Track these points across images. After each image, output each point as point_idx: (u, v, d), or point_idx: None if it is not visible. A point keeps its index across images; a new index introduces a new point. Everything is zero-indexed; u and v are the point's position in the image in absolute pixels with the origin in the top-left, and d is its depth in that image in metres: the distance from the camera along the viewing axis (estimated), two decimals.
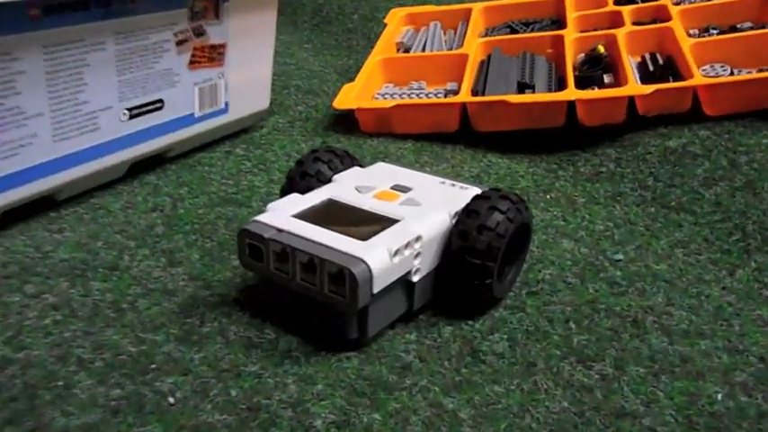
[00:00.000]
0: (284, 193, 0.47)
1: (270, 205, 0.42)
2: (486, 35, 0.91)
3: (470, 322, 0.42)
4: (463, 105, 0.70)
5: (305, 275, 0.38)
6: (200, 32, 0.61)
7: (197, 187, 0.60)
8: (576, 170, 0.65)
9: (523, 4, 0.96)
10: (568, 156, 0.68)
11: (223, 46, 0.64)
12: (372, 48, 0.89)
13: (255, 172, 0.63)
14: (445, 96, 0.75)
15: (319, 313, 0.39)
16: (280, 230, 0.39)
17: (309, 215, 0.41)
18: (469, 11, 0.95)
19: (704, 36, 0.80)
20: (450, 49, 0.87)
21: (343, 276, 0.36)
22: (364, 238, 0.38)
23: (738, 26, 0.81)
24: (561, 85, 0.73)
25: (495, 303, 0.44)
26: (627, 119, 0.68)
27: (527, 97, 0.68)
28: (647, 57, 0.77)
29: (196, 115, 0.64)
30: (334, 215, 0.41)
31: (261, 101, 0.72)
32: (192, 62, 0.62)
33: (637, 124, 0.69)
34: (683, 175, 0.61)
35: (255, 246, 0.40)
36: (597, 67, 0.75)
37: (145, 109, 0.58)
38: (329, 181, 0.47)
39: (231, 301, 0.44)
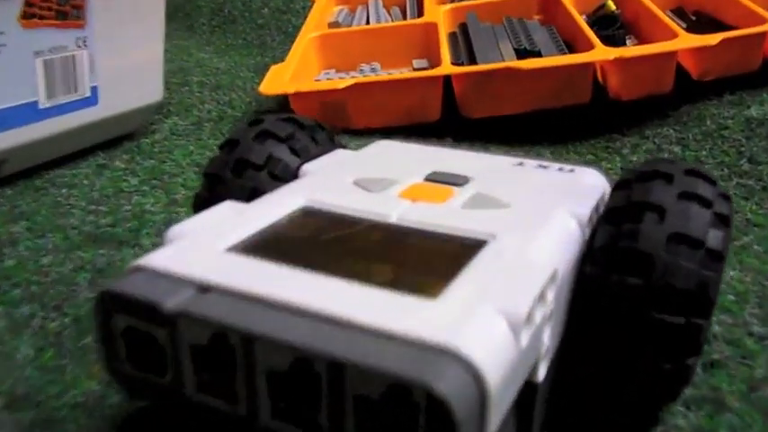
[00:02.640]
0: (200, 205, 0.23)
1: (175, 229, 0.19)
2: (452, 1, 0.70)
3: None
4: (446, 83, 0.49)
5: (286, 408, 0.14)
6: None
7: (44, 221, 0.35)
8: (624, 160, 0.45)
9: None
10: (605, 142, 0.47)
11: None
12: (293, 41, 0.66)
13: (146, 191, 0.39)
14: None
15: None
16: (204, 288, 0.16)
17: (268, 245, 0.18)
18: None
19: None
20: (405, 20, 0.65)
21: (410, 406, 0.13)
22: (428, 289, 0.15)
23: None
24: (573, 52, 0.53)
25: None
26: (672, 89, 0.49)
27: (545, 61, 0.47)
28: (669, 13, 0.58)
29: (41, 105, 0.39)
30: (326, 242, 0.18)
31: (150, 90, 0.48)
32: (26, 15, 0.37)
33: (685, 95, 0.50)
34: None
35: (141, 334, 0.16)
36: (613, 28, 0.56)
37: None
38: (294, 176, 0.23)
39: None
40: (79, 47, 0.41)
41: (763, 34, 0.47)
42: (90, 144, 0.45)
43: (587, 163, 0.45)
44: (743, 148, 0.43)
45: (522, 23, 0.58)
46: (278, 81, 0.51)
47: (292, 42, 0.65)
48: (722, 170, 0.42)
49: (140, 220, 0.35)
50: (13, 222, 0.34)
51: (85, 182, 0.40)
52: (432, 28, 0.58)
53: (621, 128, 0.48)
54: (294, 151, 0.24)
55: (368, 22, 0.66)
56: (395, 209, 0.20)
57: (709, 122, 0.46)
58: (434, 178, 0.22)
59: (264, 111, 0.54)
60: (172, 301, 0.15)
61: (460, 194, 0.21)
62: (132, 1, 0.44)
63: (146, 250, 0.32)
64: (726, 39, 0.46)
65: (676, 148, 0.45)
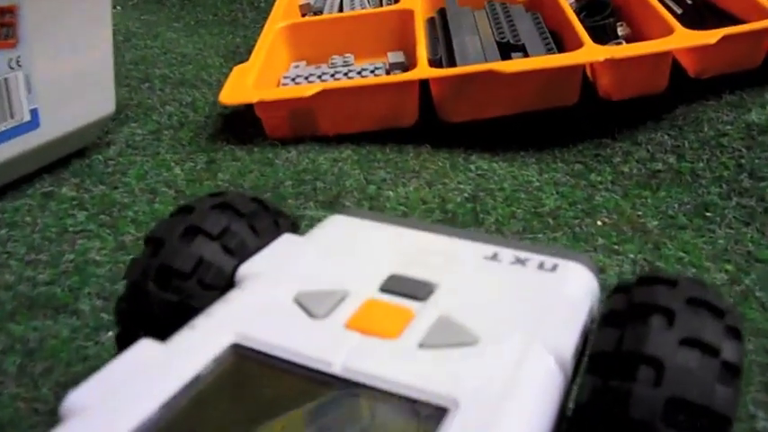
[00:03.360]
0: (123, 316, 0.20)
1: (72, 400, 0.16)
2: None
3: None
4: (423, 83, 0.45)
5: None
6: None
7: None
8: (615, 170, 0.42)
9: None
10: (594, 148, 0.44)
11: (12, 10, 0.36)
12: (266, 18, 0.61)
13: (92, 232, 0.36)
14: (389, 73, 0.50)
15: None
16: None
17: (200, 421, 0.15)
18: None
19: None
20: (380, 5, 0.61)
21: None
22: None
23: None
24: (560, 44, 0.49)
25: None
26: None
27: (530, 62, 0.43)
28: None
29: None
30: (252, 409, 0.15)
31: (100, 103, 0.44)
32: None
33: (681, 94, 0.46)
34: None
35: None
36: (603, 15, 0.52)
37: None
38: (229, 284, 0.20)
39: None
40: (12, 68, 0.37)
41: (766, 30, 0.43)
42: (34, 169, 0.41)
43: (575, 175, 0.41)
44: (743, 160, 0.40)
45: (506, 8, 0.54)
46: (240, 87, 0.47)
47: (264, 20, 0.60)
48: (720, 187, 0.38)
49: (82, 274, 0.32)
50: None
51: (27, 218, 0.37)
52: (408, 16, 0.54)
53: (612, 131, 0.45)
54: (229, 250, 0.20)
55: (341, 8, 0.61)
56: (339, 352, 0.16)
57: (706, 128, 0.43)
58: (392, 288, 0.19)
59: (229, 114, 0.50)
60: None
61: (420, 320, 0.18)
62: (73, 5, 0.40)
63: (83, 317, 0.29)
64: (726, 36, 0.43)
65: (671, 158, 0.42)
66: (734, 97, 0.45)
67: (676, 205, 0.38)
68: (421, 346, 0.17)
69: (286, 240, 0.22)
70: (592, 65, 0.46)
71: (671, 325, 0.16)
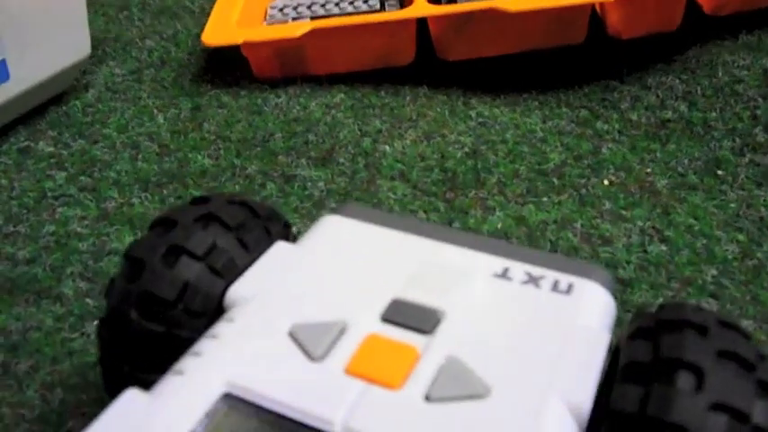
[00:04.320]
0: (104, 344, 0.19)
1: None
2: None
3: None
4: (420, 21, 0.42)
5: None
6: None
7: None
8: (623, 118, 0.39)
9: None
10: (601, 91, 0.42)
11: None
12: None
13: (72, 197, 0.34)
14: (383, 7, 0.46)
15: None
16: None
17: None
18: None
19: None
20: None
21: None
22: None
23: None
24: None
25: None
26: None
27: (536, 1, 0.40)
28: None
29: None
30: None
31: (74, 45, 0.41)
32: None
33: (694, 34, 0.43)
34: None
35: None
36: None
37: None
38: (218, 309, 0.19)
39: None
40: None
41: None
42: (9, 121, 0.39)
43: (580, 123, 0.39)
44: (758, 111, 0.38)
45: None
46: (224, 25, 0.44)
47: None
48: (733, 141, 0.37)
49: (64, 249, 0.30)
50: None
51: (3, 181, 0.35)
52: None
53: (621, 73, 0.42)
54: (216, 271, 0.19)
55: None
56: (339, 407, 0.15)
57: (720, 73, 0.40)
58: (395, 318, 0.18)
59: (213, 51, 0.47)
60: None
61: (426, 362, 0.16)
62: None
63: (66, 303, 0.27)
64: None
65: (682, 106, 0.39)
66: (751, 37, 0.42)
67: (686, 161, 0.36)
68: (427, 398, 0.16)
69: (278, 252, 0.20)
70: (601, 2, 0.43)
71: (699, 388, 0.15)
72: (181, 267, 0.18)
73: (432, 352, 0.17)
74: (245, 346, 0.17)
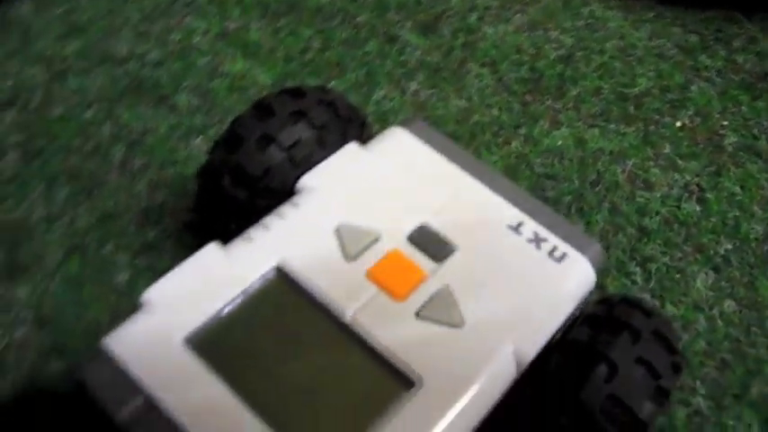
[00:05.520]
0: (201, 189, 0.24)
1: (152, 293, 0.21)
2: None
3: None
4: None
5: None
6: None
7: (96, 42, 0.35)
8: (729, 58, 0.40)
9: None
10: (721, 21, 0.41)
11: None
12: None
13: (200, 8, 0.38)
14: None
15: None
16: (150, 403, 0.19)
17: (221, 340, 0.20)
18: None
19: None
20: None
21: None
22: None
23: None
24: None
25: None
26: None
27: None
28: None
29: None
30: (283, 342, 0.20)
31: None
32: None
33: None
34: None
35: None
36: None
37: None
38: (290, 191, 0.24)
39: None
40: None
41: None
42: None
43: (685, 50, 0.39)
44: None
45: None
46: None
47: None
48: None
49: (185, 61, 0.35)
50: (66, 39, 0.35)
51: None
52: None
53: (751, 9, 0.41)
54: (295, 162, 0.23)
55: None
56: (354, 302, 0.21)
57: None
58: (418, 241, 0.22)
59: None
60: (122, 414, 0.18)
61: (428, 285, 0.21)
62: None
63: (179, 114, 0.33)
64: None
65: None
66: None
67: (765, 123, 0.37)
68: (417, 314, 0.21)
69: (347, 154, 0.24)
70: None
71: (634, 344, 0.20)
72: (269, 153, 0.23)
73: (434, 278, 0.22)
74: (300, 232, 0.22)
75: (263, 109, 0.24)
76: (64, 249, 0.28)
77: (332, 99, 0.25)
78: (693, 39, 0.41)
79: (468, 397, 0.19)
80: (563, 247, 0.23)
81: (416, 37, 0.38)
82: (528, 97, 0.36)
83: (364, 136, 0.26)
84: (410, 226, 0.23)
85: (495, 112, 0.35)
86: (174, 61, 0.35)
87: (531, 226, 0.23)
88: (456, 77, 0.37)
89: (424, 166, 0.24)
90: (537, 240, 0.23)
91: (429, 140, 0.25)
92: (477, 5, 0.40)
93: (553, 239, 0.23)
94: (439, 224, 0.23)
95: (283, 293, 0.21)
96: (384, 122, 0.34)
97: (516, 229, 0.23)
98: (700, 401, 0.27)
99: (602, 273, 0.30)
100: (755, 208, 0.34)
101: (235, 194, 0.23)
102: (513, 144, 0.34)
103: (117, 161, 0.31)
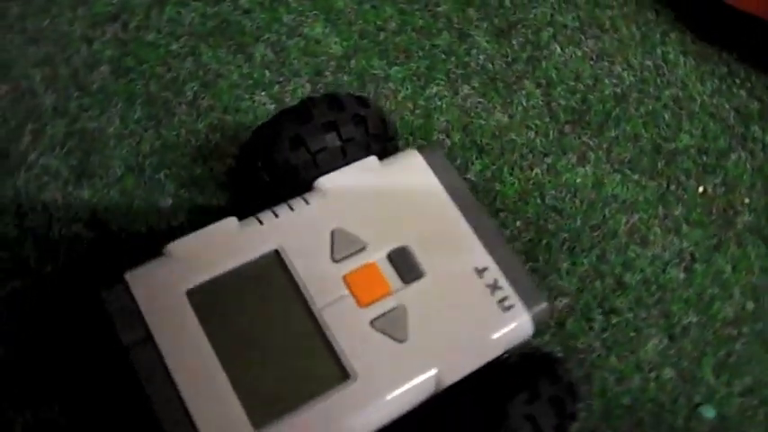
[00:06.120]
0: (238, 161, 0.29)
1: (174, 246, 0.26)
2: None
3: None
4: None
5: None
6: None
7: None
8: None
9: None
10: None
11: None
12: None
13: None
14: None
15: None
16: (149, 335, 0.24)
17: (216, 299, 0.25)
18: None
19: None
20: None
21: None
22: (263, 418, 0.23)
23: None
24: None
25: None
26: None
27: None
28: None
29: None
30: (261, 314, 0.25)
31: None
32: None
33: None
34: None
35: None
36: None
37: None
38: (307, 187, 0.28)
39: None
40: None
41: None
42: None
43: (743, 114, 0.40)
44: None
45: None
46: None
47: None
48: None
49: (272, 13, 0.38)
50: None
51: None
52: None
53: None
54: (317, 164, 0.27)
55: None
56: (326, 297, 0.25)
57: None
58: (394, 260, 0.26)
59: None
60: (126, 337, 0.24)
61: (389, 300, 0.26)
62: None
63: (252, 64, 0.37)
64: None
65: None
66: None
67: None
68: (371, 322, 0.25)
69: (363, 166, 0.28)
70: None
71: (528, 403, 0.24)
72: (298, 153, 0.27)
73: (396, 296, 0.26)
74: (302, 226, 0.27)
75: (304, 111, 0.28)
76: (126, 166, 0.33)
77: (366, 115, 0.28)
78: (754, 106, 0.42)
79: (388, 398, 0.24)
80: (513, 299, 0.27)
81: (486, 40, 0.40)
82: (568, 128, 0.39)
83: (389, 148, 0.30)
84: (393, 245, 0.27)
85: (531, 134, 0.38)
86: (263, 11, 0.39)
87: (493, 273, 0.27)
88: (508, 91, 0.39)
89: (424, 195, 0.28)
90: (494, 287, 0.27)
91: (438, 171, 0.29)
92: (555, 21, 0.42)
93: (507, 290, 0.27)
94: (418, 250, 0.27)
95: (274, 274, 0.26)
96: (428, 118, 0.37)
97: (480, 272, 0.27)
98: None
99: (567, 312, 0.33)
100: (736, 291, 0.36)
101: (262, 177, 0.28)
102: (535, 170, 0.37)
103: (188, 97, 0.35)
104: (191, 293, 0.25)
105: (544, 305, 0.27)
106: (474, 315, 0.26)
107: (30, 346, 0.29)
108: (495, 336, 0.26)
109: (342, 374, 0.24)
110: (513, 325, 0.26)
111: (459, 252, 0.27)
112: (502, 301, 0.27)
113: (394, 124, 0.31)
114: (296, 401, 0.24)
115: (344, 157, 0.28)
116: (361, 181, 0.28)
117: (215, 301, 0.25)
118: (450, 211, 0.28)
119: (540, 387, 0.25)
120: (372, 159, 0.29)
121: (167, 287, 0.25)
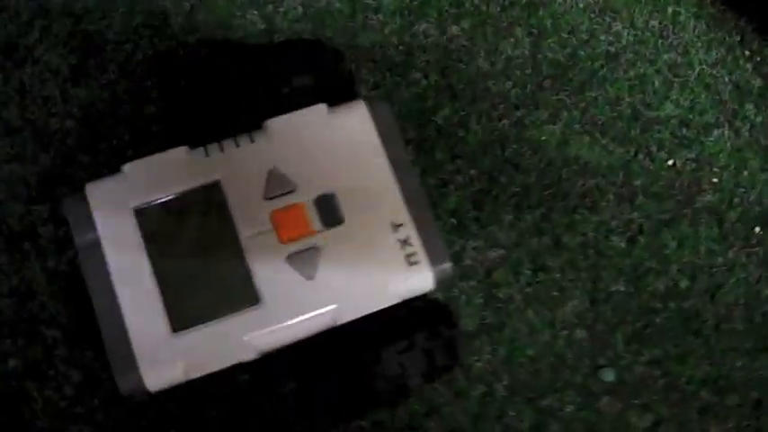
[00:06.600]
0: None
1: (128, 166, 0.29)
2: None
3: None
4: None
5: None
6: None
7: None
8: None
9: None
10: None
11: None
12: None
13: None
14: None
15: None
16: (95, 242, 0.28)
17: (158, 218, 0.29)
18: None
19: None
20: None
21: None
22: (180, 324, 0.28)
23: None
24: None
25: None
26: None
27: None
28: None
29: None
30: (195, 236, 0.29)
31: None
32: None
33: None
34: None
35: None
36: None
37: None
38: (258, 126, 0.31)
39: None
40: None
41: None
42: None
43: (742, 91, 0.40)
44: None
45: None
46: None
47: None
48: None
49: None
50: None
51: None
52: None
53: None
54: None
55: None
56: (252, 229, 0.29)
57: None
58: (320, 205, 0.30)
59: None
60: (79, 240, 0.28)
61: (308, 241, 0.29)
62: None
63: (279, 28, 0.38)
64: None
65: None
66: None
67: (745, 193, 0.39)
68: (287, 259, 0.29)
69: (311, 113, 0.31)
70: None
71: (402, 353, 0.28)
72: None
73: (314, 238, 0.29)
74: (243, 162, 0.30)
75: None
76: (120, 71, 0.36)
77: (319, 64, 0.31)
78: (756, 82, 0.41)
79: (287, 324, 0.28)
80: (420, 256, 0.29)
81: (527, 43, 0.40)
82: (547, 82, 0.39)
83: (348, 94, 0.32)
84: (321, 191, 0.30)
85: (508, 84, 0.39)
86: None
87: (407, 231, 0.30)
88: (496, 38, 0.40)
89: (361, 146, 0.31)
90: (405, 243, 0.30)
91: (380, 125, 0.31)
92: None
93: (417, 247, 0.30)
94: (343, 198, 0.30)
95: (212, 203, 0.29)
96: (409, 56, 0.39)
97: (396, 227, 0.30)
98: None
99: (498, 263, 0.36)
100: (674, 267, 0.38)
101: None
102: (503, 122, 0.38)
103: (186, 9, 0.38)
104: (137, 211, 0.29)
105: (447, 265, 0.30)
106: (380, 264, 0.29)
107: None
108: (395, 285, 0.29)
109: (253, 298, 0.28)
110: (414, 278, 0.29)
111: (380, 205, 0.30)
112: (409, 256, 0.30)
113: (351, 71, 0.33)
114: (210, 315, 0.28)
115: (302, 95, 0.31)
116: (305, 126, 0.31)
117: (157, 220, 0.29)
118: (382, 166, 0.31)
119: (417, 339, 0.28)
120: (321, 107, 0.31)
121: (118, 202, 0.29)
